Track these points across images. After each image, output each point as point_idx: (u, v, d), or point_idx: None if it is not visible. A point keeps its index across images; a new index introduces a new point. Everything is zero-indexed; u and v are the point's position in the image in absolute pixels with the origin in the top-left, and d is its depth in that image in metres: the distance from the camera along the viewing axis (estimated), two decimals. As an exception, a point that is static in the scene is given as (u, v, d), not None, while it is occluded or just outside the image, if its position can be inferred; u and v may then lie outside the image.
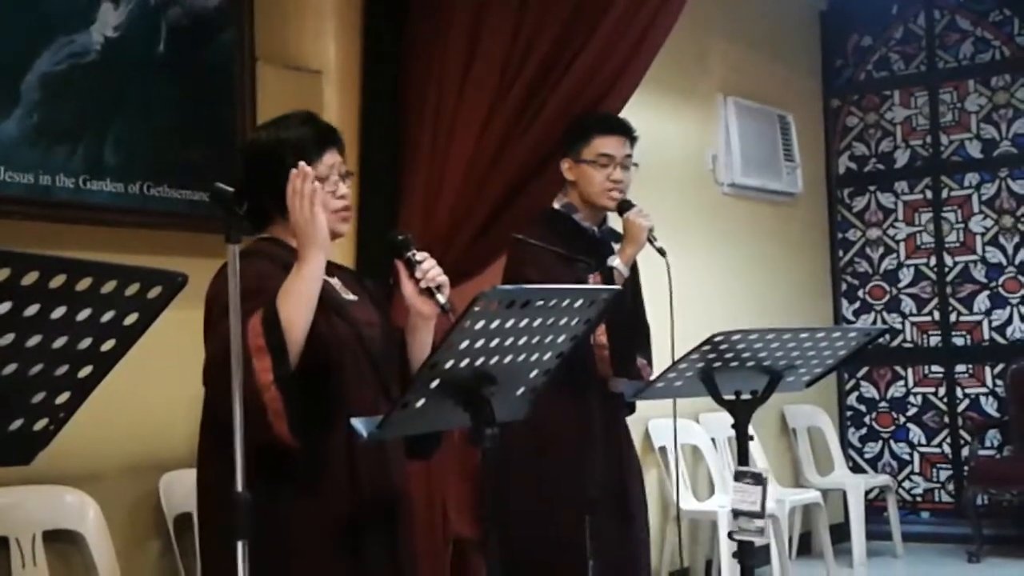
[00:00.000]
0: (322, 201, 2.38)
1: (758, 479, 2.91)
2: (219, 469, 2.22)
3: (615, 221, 3.68)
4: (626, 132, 3.59)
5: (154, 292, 1.69)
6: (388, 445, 2.46)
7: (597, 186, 3.53)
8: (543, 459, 3.57)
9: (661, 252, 3.43)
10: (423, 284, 2.39)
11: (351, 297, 2.53)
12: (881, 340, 7.06)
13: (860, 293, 7.51)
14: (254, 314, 2.24)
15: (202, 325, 2.39)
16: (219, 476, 2.22)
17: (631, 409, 3.69)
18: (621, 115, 3.82)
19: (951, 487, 7.16)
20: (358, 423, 2.18)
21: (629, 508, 3.60)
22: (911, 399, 7.33)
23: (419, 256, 2.41)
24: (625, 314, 3.49)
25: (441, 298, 2.38)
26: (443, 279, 2.41)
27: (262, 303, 2.26)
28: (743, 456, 3.01)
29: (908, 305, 7.36)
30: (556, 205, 3.65)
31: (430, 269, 2.40)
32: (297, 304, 2.26)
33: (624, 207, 3.52)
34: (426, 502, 3.81)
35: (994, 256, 7.10)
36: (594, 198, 3.55)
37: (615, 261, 3.45)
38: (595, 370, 3.42)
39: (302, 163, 2.35)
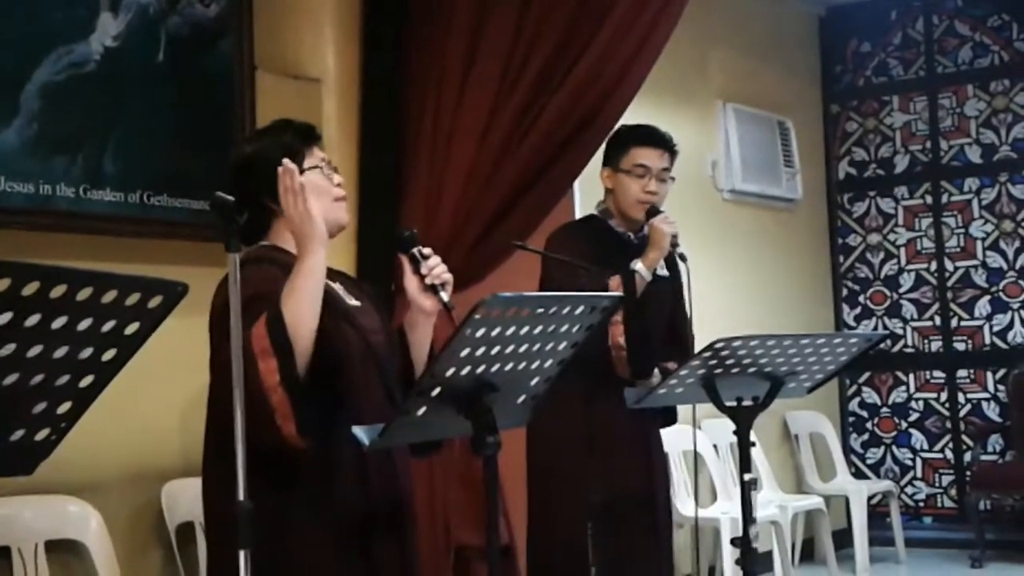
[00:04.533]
0: (323, 189, 2.42)
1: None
2: (227, 478, 2.22)
3: None
4: (664, 145, 3.63)
5: (155, 301, 1.69)
6: (396, 448, 2.46)
7: (631, 196, 3.59)
8: (547, 462, 3.57)
9: (682, 258, 3.52)
10: (428, 280, 2.41)
11: (354, 303, 2.52)
12: (882, 345, 7.07)
13: (861, 298, 7.51)
14: (258, 320, 2.22)
15: (204, 334, 2.38)
16: (226, 485, 2.22)
17: (670, 418, 3.67)
18: (622, 121, 3.84)
19: (953, 492, 7.15)
20: (359, 431, 2.16)
21: (655, 517, 3.59)
22: (913, 404, 7.32)
23: (426, 251, 2.43)
24: (646, 315, 3.49)
25: (444, 296, 2.40)
26: (448, 277, 2.43)
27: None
28: (745, 463, 3.00)
29: (909, 310, 7.35)
30: (595, 210, 3.72)
31: (436, 266, 2.42)
32: (301, 301, 2.23)
33: (651, 213, 3.56)
34: (428, 510, 3.81)
35: (995, 261, 7.10)
36: (626, 207, 3.61)
37: (637, 264, 3.48)
38: (614, 372, 3.43)
39: (286, 160, 2.35)
